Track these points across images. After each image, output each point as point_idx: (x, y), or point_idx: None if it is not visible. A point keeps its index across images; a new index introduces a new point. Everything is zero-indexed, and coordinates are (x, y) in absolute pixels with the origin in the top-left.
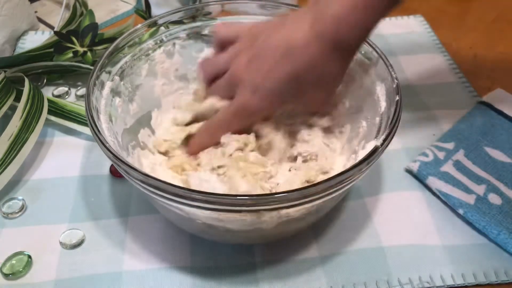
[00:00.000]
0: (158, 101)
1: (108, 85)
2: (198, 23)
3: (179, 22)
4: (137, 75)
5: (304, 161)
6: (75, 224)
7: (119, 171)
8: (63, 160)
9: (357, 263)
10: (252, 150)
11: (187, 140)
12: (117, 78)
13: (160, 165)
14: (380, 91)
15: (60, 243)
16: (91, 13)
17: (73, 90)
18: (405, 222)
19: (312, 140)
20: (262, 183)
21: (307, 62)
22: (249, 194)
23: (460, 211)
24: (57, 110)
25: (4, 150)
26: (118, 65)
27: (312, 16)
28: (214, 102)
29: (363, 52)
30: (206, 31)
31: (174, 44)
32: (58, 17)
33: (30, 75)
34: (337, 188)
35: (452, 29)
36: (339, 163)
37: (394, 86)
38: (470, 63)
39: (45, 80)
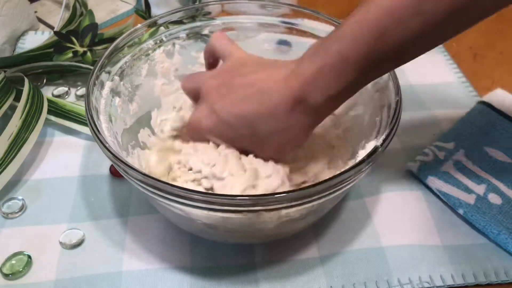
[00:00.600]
0: (158, 101)
1: (108, 85)
2: (198, 23)
3: (179, 22)
4: (137, 75)
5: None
6: (75, 224)
7: (119, 171)
8: (63, 160)
9: (357, 263)
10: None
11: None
12: (117, 78)
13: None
14: (380, 91)
15: (60, 243)
16: (91, 13)
17: (73, 90)
18: (405, 222)
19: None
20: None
21: (268, 109)
22: (249, 194)
23: (460, 211)
24: (57, 110)
25: (4, 150)
26: (118, 65)
27: (291, 68)
28: None
29: None
30: (206, 31)
31: (174, 44)
32: (58, 17)
33: (30, 75)
34: (337, 188)
35: None
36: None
37: (394, 86)
38: (470, 63)
39: (45, 80)
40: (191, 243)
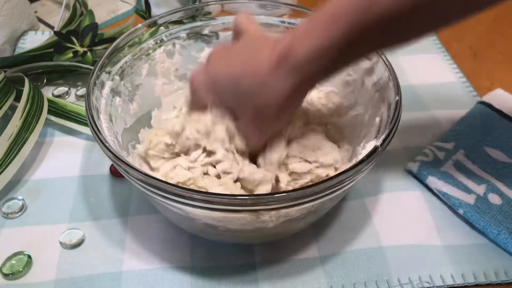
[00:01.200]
0: (158, 101)
1: (108, 84)
2: (198, 23)
3: (179, 22)
4: (137, 74)
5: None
6: (75, 224)
7: (119, 171)
8: (63, 160)
9: (357, 263)
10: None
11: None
12: (117, 77)
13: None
14: (380, 91)
15: (60, 243)
16: (91, 13)
17: (73, 90)
18: (405, 222)
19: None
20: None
21: (252, 68)
22: (249, 194)
23: (460, 211)
24: (57, 110)
25: (4, 150)
26: (118, 65)
27: (284, 35)
28: None
29: None
30: (206, 31)
31: (174, 44)
32: (58, 17)
33: (30, 75)
34: (337, 188)
35: (452, 29)
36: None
37: (394, 86)
38: (470, 63)
39: (45, 80)
40: (191, 243)
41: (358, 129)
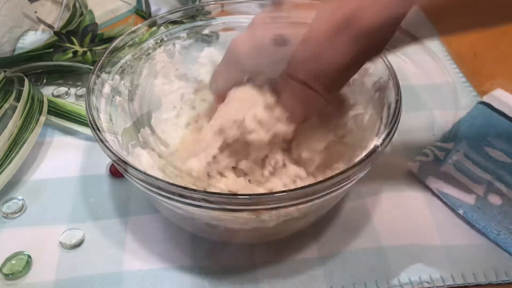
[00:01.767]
0: (158, 101)
1: (108, 84)
2: (198, 23)
3: (179, 22)
4: (138, 74)
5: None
6: (75, 224)
7: (119, 171)
8: (63, 160)
9: (357, 263)
10: None
11: None
12: (117, 77)
13: None
14: (380, 91)
15: (60, 243)
16: (91, 13)
17: (73, 90)
18: (405, 222)
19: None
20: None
21: (308, 33)
22: (249, 194)
23: (460, 211)
24: (57, 110)
25: (4, 150)
26: (118, 65)
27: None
28: None
29: None
30: (206, 31)
31: (174, 43)
32: (58, 17)
33: (30, 75)
34: (337, 187)
35: None
36: None
37: (394, 86)
38: (470, 63)
39: (45, 80)
40: (191, 243)
41: (358, 129)
